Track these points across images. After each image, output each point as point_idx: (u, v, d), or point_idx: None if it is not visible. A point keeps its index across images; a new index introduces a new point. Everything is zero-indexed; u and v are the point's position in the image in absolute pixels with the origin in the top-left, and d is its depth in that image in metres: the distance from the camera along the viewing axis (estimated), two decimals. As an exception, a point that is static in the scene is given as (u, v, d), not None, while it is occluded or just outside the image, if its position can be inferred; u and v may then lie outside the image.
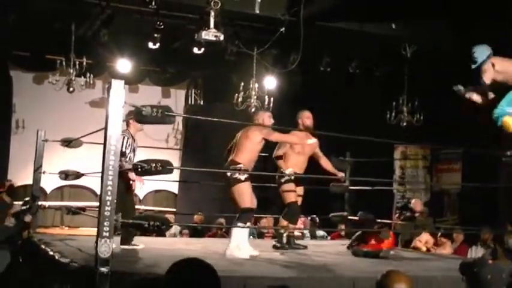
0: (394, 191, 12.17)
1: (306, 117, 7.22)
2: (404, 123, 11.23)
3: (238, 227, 6.28)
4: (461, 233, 9.48)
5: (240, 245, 6.22)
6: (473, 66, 5.95)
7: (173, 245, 7.58)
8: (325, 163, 7.46)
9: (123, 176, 6.02)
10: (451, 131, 9.33)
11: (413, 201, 10.05)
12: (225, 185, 6.43)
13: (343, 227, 9.85)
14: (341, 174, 7.34)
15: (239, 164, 6.30)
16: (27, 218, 7.37)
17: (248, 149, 6.36)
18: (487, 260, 3.65)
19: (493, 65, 5.94)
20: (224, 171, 6.37)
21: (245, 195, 6.26)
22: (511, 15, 6.97)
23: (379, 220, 8.67)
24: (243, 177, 6.23)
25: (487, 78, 5.89)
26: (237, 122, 6.90)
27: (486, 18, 8.23)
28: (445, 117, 10.33)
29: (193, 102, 13.86)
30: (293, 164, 7.09)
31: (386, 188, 11.03)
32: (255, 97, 11.10)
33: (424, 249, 8.87)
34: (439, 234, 9.27)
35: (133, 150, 6.93)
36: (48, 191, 12.14)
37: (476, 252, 9.05)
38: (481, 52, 6.02)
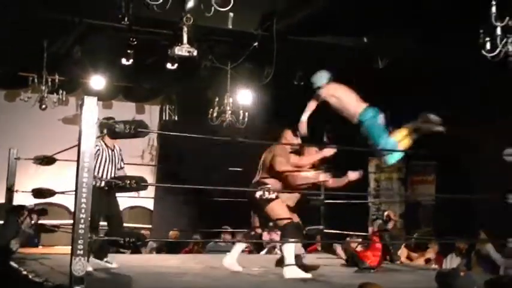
0: (369, 203, 12.22)
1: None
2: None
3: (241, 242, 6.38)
4: (436, 244, 9.56)
5: (292, 263, 6.11)
6: (314, 87, 6.68)
7: (149, 262, 7.54)
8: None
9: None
10: (425, 143, 9.40)
11: (386, 213, 10.12)
12: (252, 204, 6.41)
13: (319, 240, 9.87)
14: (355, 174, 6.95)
15: (267, 184, 6.28)
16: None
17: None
18: (459, 272, 3.69)
19: (329, 89, 6.81)
20: (251, 191, 6.35)
21: (280, 210, 6.24)
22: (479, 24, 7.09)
23: (353, 233, 8.73)
24: (273, 195, 6.21)
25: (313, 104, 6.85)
26: (213, 137, 6.92)
27: (455, 29, 8.33)
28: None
29: (167, 118, 13.81)
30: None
31: (362, 201, 11.08)
32: (230, 112, 11.11)
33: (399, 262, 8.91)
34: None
35: (111, 161, 6.79)
36: (21, 209, 11.99)
37: (451, 261, 9.12)
38: (320, 77, 6.90)
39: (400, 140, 6.67)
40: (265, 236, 9.97)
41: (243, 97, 11.47)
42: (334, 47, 9.93)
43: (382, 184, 12.54)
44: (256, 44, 9.48)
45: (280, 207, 6.27)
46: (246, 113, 11.16)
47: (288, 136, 6.70)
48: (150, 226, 12.71)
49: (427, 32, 8.78)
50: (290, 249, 6.15)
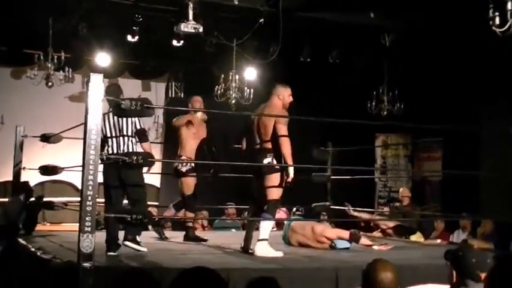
0: (375, 180, 12.22)
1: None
2: (385, 113, 11.25)
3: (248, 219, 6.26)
4: (443, 221, 9.57)
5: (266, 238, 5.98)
6: None
7: (155, 239, 7.57)
8: None
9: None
10: (432, 120, 9.38)
11: (401, 189, 10.09)
12: (253, 172, 6.32)
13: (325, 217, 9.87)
14: None
15: (271, 153, 6.06)
16: None
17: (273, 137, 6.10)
18: (473, 245, 3.67)
19: None
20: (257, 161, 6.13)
21: (277, 185, 6.03)
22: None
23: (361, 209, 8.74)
24: (277, 166, 6.01)
25: None
26: (219, 112, 6.89)
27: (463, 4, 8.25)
28: (425, 106, 10.40)
29: (173, 95, 13.77)
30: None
31: (369, 176, 11.08)
32: (236, 89, 11.06)
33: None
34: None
35: None
36: (28, 187, 12.04)
37: (458, 237, 9.13)
38: None
39: None
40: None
41: (249, 74, 11.42)
42: (341, 24, 9.86)
43: (388, 161, 12.53)
44: (262, 20, 9.41)
45: (278, 182, 6.02)
46: (251, 90, 11.11)
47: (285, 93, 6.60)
48: (157, 203, 12.72)
49: (433, 7, 8.71)
50: (268, 226, 6.00)
